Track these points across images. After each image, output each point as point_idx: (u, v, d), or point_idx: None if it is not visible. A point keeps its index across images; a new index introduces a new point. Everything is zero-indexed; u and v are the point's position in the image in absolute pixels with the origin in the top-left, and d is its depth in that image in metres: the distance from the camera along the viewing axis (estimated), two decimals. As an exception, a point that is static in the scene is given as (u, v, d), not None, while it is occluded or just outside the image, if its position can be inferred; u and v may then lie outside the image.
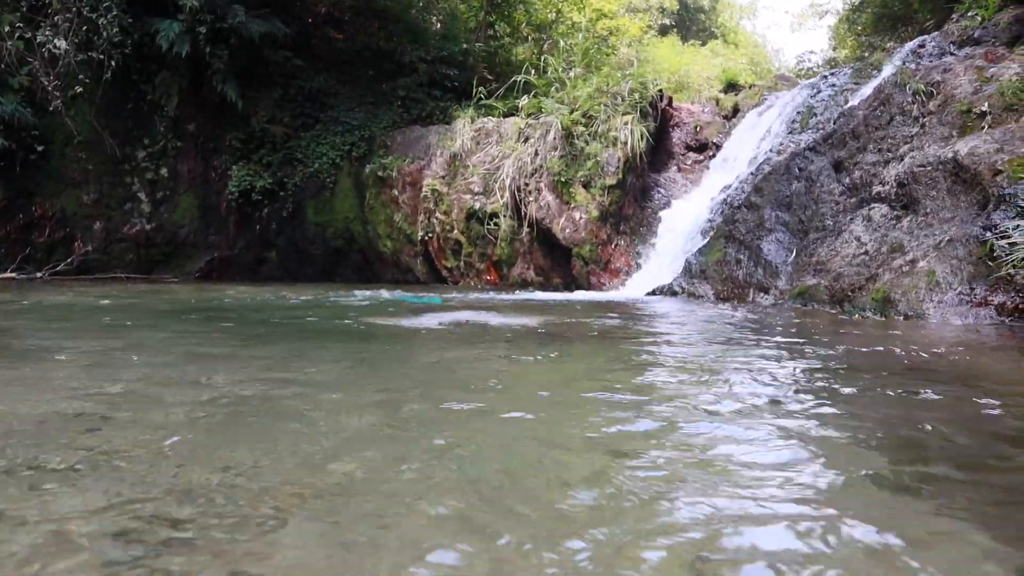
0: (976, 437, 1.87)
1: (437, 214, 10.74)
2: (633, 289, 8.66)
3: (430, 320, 5.02)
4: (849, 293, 5.73)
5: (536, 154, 10.01)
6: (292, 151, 12.17)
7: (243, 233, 12.40)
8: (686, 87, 13.84)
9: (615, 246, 9.44)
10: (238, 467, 1.53)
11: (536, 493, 1.40)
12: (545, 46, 14.42)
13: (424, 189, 10.86)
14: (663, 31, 21.00)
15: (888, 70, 8.69)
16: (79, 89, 10.91)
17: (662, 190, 10.45)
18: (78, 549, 1.12)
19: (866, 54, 12.69)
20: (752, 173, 8.92)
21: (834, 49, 17.43)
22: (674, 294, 7.63)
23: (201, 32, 10.58)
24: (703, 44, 20.53)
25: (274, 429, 1.87)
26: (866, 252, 6.04)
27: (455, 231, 10.60)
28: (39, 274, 10.82)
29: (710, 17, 25.59)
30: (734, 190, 8.91)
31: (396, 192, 11.31)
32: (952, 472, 1.58)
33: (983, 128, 6.04)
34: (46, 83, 10.69)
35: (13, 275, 10.41)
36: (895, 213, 6.23)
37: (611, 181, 9.45)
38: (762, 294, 6.87)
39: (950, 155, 5.84)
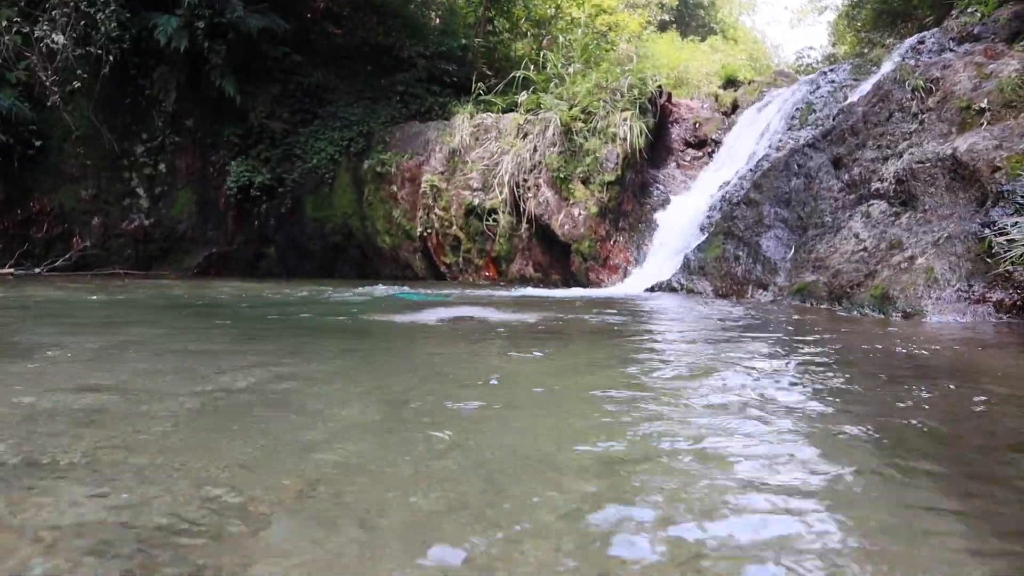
0: (972, 433, 1.87)
1: (436, 210, 10.73)
2: (632, 285, 8.65)
3: (428, 316, 5.02)
4: (848, 290, 5.73)
5: (535, 150, 9.99)
6: (291, 147, 12.15)
7: (241, 229, 12.38)
8: (685, 83, 13.81)
9: (614, 242, 9.44)
10: (235, 464, 1.53)
11: (533, 488, 1.40)
12: (544, 42, 14.39)
13: (423, 185, 10.84)
14: (662, 27, 20.95)
15: (887, 66, 8.67)
16: (77, 84, 10.88)
17: (661, 186, 10.44)
18: (58, 552, 1.12)
19: (865, 50, 12.66)
20: (751, 169, 8.92)
21: (833, 45, 17.39)
22: (673, 290, 7.63)
23: (199, 27, 10.54)
24: (702, 40, 20.50)
25: (270, 425, 1.87)
26: (865, 249, 6.04)
27: (454, 227, 10.59)
28: (37, 270, 10.81)
29: (709, 13, 25.54)
30: (733, 186, 8.90)
31: (395, 188, 11.30)
32: (947, 469, 1.58)
33: (982, 125, 6.04)
34: (44, 78, 10.67)
35: (11, 271, 10.40)
36: (894, 210, 6.23)
37: (610, 177, 9.44)
38: (761, 291, 6.87)
39: (949, 152, 5.84)
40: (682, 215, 9.38)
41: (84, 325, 4.41)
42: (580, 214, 9.40)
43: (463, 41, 13.30)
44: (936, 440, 1.81)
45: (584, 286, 9.14)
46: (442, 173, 10.82)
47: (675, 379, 2.59)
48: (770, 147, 9.28)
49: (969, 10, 8.19)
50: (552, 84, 10.87)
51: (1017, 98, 5.99)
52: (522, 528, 1.19)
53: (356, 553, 1.10)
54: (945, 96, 6.62)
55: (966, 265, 4.97)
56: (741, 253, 7.32)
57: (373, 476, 1.46)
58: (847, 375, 2.69)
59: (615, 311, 5.59)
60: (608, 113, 9.78)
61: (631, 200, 9.82)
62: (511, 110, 10.98)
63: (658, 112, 10.65)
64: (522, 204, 9.94)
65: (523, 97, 10.79)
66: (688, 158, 11.12)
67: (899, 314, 4.95)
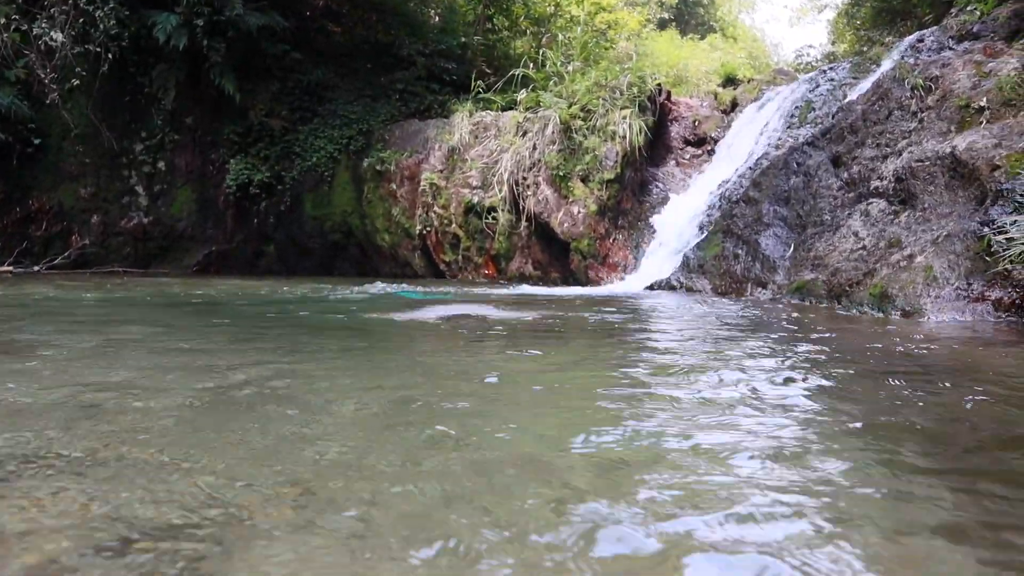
0: (968, 431, 1.88)
1: (435, 208, 10.73)
2: (631, 283, 8.66)
3: (427, 314, 5.02)
4: (847, 288, 5.73)
5: (534, 148, 9.99)
6: (290, 145, 12.14)
7: (241, 227, 12.38)
8: (684, 81, 13.79)
9: (613, 240, 9.44)
10: (233, 462, 1.53)
11: (532, 485, 1.40)
12: (543, 40, 14.38)
13: (422, 183, 10.84)
14: (662, 25, 20.94)
15: (887, 65, 8.67)
16: (76, 82, 10.88)
17: (660, 184, 10.44)
18: (50, 551, 1.12)
19: (865, 48, 12.65)
20: (750, 168, 8.92)
21: (833, 43, 17.38)
22: (672, 289, 7.63)
23: (198, 25, 10.54)
24: (702, 38, 20.48)
25: (268, 424, 1.87)
26: (864, 247, 6.04)
27: (453, 225, 10.60)
28: (36, 268, 10.81)
29: (709, 11, 25.52)
30: (732, 185, 8.90)
31: (394, 186, 11.29)
32: (943, 466, 1.58)
33: (981, 123, 6.04)
34: (42, 76, 10.66)
35: (10, 269, 10.40)
36: (893, 208, 6.23)
37: (609, 175, 9.44)
38: (760, 289, 6.87)
39: (948, 150, 5.84)
40: (681, 213, 9.38)
41: (81, 323, 4.40)
42: (579, 212, 9.40)
43: (462, 39, 13.29)
44: (932, 438, 1.82)
45: (583, 284, 9.15)
46: (441, 171, 10.82)
47: (673, 377, 2.60)
48: (769, 145, 9.28)
49: (968, 8, 8.19)
50: (551, 82, 10.87)
51: (1016, 96, 5.99)
52: (520, 526, 1.19)
53: (354, 549, 1.10)
54: (944, 94, 6.62)
55: (965, 263, 4.98)
56: (740, 251, 7.33)
57: (371, 474, 1.47)
58: (845, 373, 2.69)
59: (614, 309, 5.60)
60: (607, 111, 9.78)
61: (630, 198, 9.82)
62: (510, 108, 10.98)
63: (657, 110, 10.65)
64: (521, 202, 9.94)
65: (522, 95, 10.79)
66: (687, 156, 11.12)
67: (898, 312, 4.95)
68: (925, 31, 9.03)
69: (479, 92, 11.38)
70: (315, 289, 7.72)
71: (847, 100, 8.35)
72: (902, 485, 1.44)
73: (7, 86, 10.46)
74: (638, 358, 3.17)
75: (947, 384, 2.51)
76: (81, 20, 10.52)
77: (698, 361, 2.98)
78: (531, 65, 11.52)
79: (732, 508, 1.28)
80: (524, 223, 9.90)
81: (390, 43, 12.80)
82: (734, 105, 11.57)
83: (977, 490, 1.42)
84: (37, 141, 10.97)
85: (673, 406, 2.09)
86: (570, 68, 10.93)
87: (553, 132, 9.87)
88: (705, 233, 8.15)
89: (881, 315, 5.01)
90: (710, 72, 13.99)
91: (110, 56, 10.65)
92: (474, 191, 10.38)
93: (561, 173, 9.58)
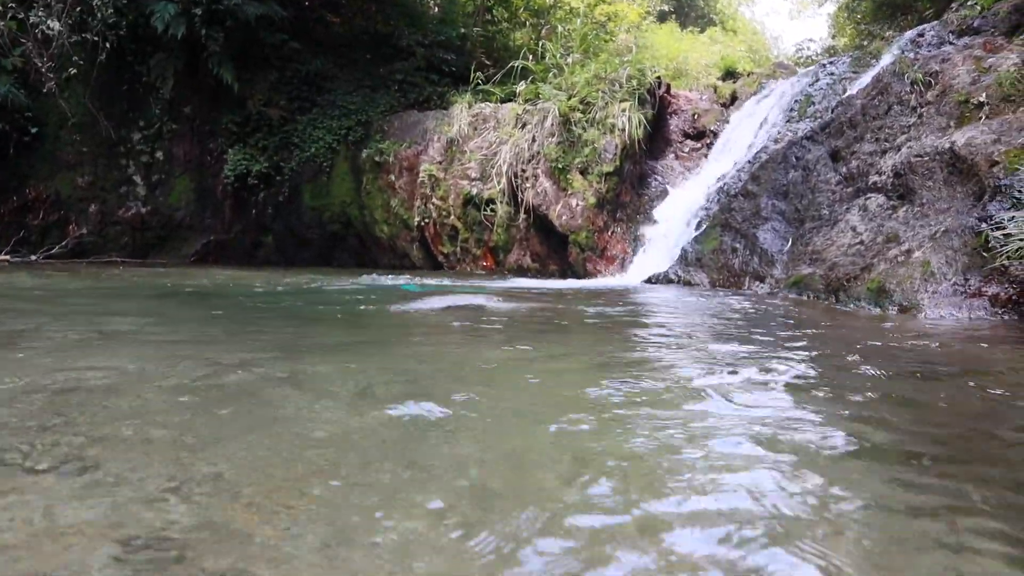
0: (962, 428, 1.89)
1: (434, 199, 10.72)
2: (629, 276, 8.67)
3: (425, 306, 5.03)
4: (844, 283, 5.75)
5: (533, 140, 9.98)
6: (289, 135, 12.11)
7: (239, 217, 12.36)
8: (684, 74, 13.76)
9: (612, 233, 9.44)
10: (220, 458, 1.54)
11: (526, 480, 1.41)
12: (543, 31, 14.34)
13: (421, 174, 10.83)
14: (661, 17, 20.86)
15: (887, 59, 8.66)
16: (73, 71, 10.83)
17: (659, 178, 10.44)
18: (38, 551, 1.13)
19: (865, 42, 12.65)
20: (749, 161, 8.92)
21: (833, 37, 17.36)
22: (670, 282, 7.64)
23: (197, 14, 10.48)
24: (702, 31, 20.41)
25: (260, 420, 1.88)
26: (861, 242, 6.05)
27: (452, 217, 10.59)
28: (33, 257, 10.79)
29: (709, 4, 25.42)
30: (731, 178, 8.90)
31: (393, 177, 11.28)
32: (940, 464, 1.59)
33: (980, 119, 6.04)
34: (39, 64, 10.61)
35: (7, 258, 10.38)
36: (891, 203, 6.24)
37: (608, 168, 9.43)
38: (758, 283, 6.89)
39: (947, 145, 5.84)
40: (680, 207, 9.38)
41: (76, 314, 4.40)
42: (578, 205, 9.40)
43: (462, 30, 13.25)
44: (929, 437, 1.83)
45: (581, 277, 9.15)
46: (440, 163, 10.80)
47: (669, 372, 2.61)
48: (768, 139, 9.27)
49: (969, 3, 8.17)
50: (551, 74, 10.84)
51: (1016, 92, 5.99)
52: (519, 525, 1.20)
53: (354, 545, 1.11)
54: (944, 90, 6.62)
55: (962, 259, 4.99)
56: (738, 245, 7.34)
57: (369, 472, 1.48)
58: (843, 372, 2.71)
59: (611, 302, 5.61)
60: (607, 104, 9.76)
61: (629, 191, 9.82)
62: (510, 100, 10.95)
63: (657, 103, 10.63)
64: (520, 194, 9.93)
65: (522, 87, 10.77)
66: (686, 149, 11.11)
67: (895, 307, 4.97)
68: (925, 26, 9.01)
69: (478, 83, 11.35)
70: (313, 279, 7.72)
71: (847, 94, 8.35)
72: (887, 477, 1.45)
73: (4, 75, 10.42)
74: (635, 352, 3.18)
75: (942, 380, 2.52)
76: (78, 8, 10.46)
77: (692, 355, 2.99)
78: (530, 57, 11.50)
79: (719, 501, 1.29)
80: (523, 215, 9.90)
81: (389, 33, 12.75)
82: (734, 99, 11.55)
83: (970, 484, 1.43)
84: (34, 130, 10.93)
85: (669, 401, 2.10)
86: (569, 60, 10.91)
87: (552, 124, 9.85)
88: (703, 227, 8.16)
89: (878, 310, 5.03)
90: (710, 65, 13.96)
91: (108, 45, 10.60)
92: (473, 183, 10.37)
93: (560, 165, 9.57)
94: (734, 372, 2.53)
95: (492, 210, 10.11)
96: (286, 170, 11.97)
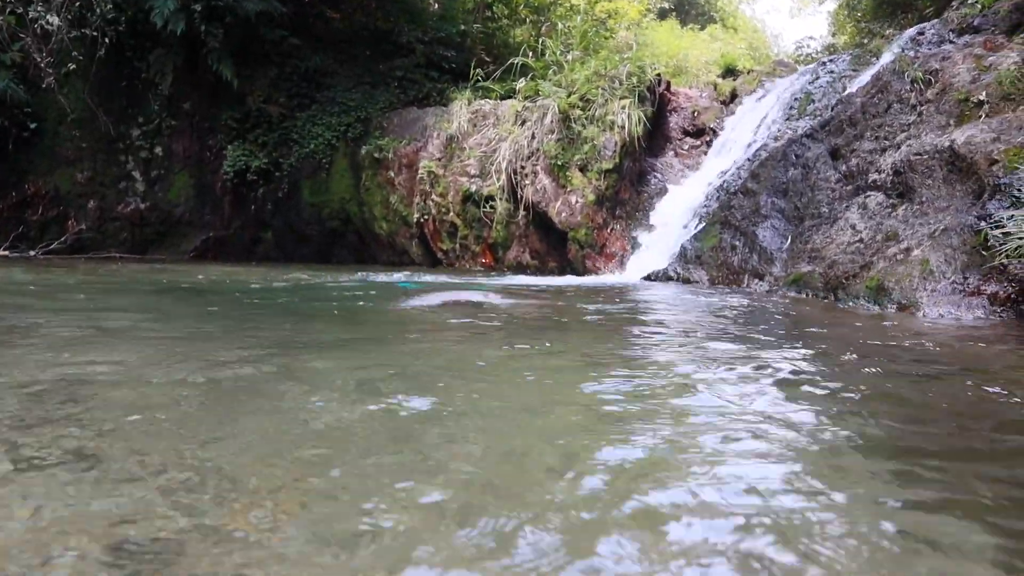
0: (961, 423, 1.89)
1: (433, 196, 10.71)
2: (628, 274, 8.67)
3: (424, 303, 5.03)
4: (843, 281, 5.75)
5: (533, 137, 9.97)
6: (288, 131, 12.10)
7: (238, 213, 12.35)
8: (684, 71, 13.75)
9: (611, 230, 9.44)
10: (215, 455, 1.54)
11: (524, 474, 1.41)
12: (543, 28, 14.31)
13: (420, 171, 10.82)
14: (662, 15, 20.83)
15: (887, 57, 8.65)
16: (72, 66, 10.81)
17: (659, 175, 10.43)
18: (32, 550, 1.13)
19: (865, 41, 12.64)
20: (749, 159, 8.91)
21: (833, 35, 17.35)
22: (669, 279, 7.64)
23: (196, 10, 10.46)
24: (702, 28, 20.40)
25: (259, 416, 1.88)
26: (861, 240, 6.05)
27: (451, 213, 10.58)
28: (32, 252, 10.78)
29: (709, 1, 25.40)
30: (730, 176, 8.89)
31: (392, 174, 11.27)
32: (938, 463, 1.60)
33: (980, 117, 6.04)
34: (39, 60, 10.59)
35: (6, 253, 10.37)
36: (891, 201, 6.24)
37: (608, 165, 9.43)
38: (757, 280, 6.89)
39: (947, 144, 5.84)
40: (679, 204, 9.38)
41: (74, 310, 4.40)
42: (577, 202, 9.39)
43: (462, 27, 13.22)
44: (927, 435, 1.83)
45: (580, 274, 9.15)
46: (439, 159, 10.79)
47: (667, 368, 2.61)
48: (768, 137, 9.27)
49: (969, 1, 8.16)
50: (551, 71, 10.83)
51: (1016, 91, 5.99)
52: (516, 517, 1.21)
53: (353, 540, 1.11)
54: (944, 88, 6.61)
55: (962, 258, 4.99)
56: (738, 243, 7.33)
57: (367, 470, 1.48)
58: (839, 367, 2.71)
59: (610, 300, 5.61)
60: (606, 101, 9.75)
61: (628, 188, 9.81)
62: (509, 97, 10.94)
63: (657, 100, 10.62)
64: (519, 191, 9.92)
65: (521, 84, 10.75)
66: (686, 147, 11.10)
67: (894, 306, 4.97)
68: (926, 24, 9.00)
69: (478, 80, 11.34)
70: (312, 275, 7.72)
71: (846, 92, 8.34)
72: (884, 474, 1.46)
73: (3, 70, 10.40)
74: (634, 349, 3.18)
75: (940, 378, 2.52)
76: (77, 4, 10.44)
77: (690, 352, 2.99)
78: (530, 54, 11.47)
79: (714, 500, 1.29)
80: (522, 212, 9.89)
81: (389, 30, 12.73)
82: (733, 96, 11.54)
83: (967, 481, 1.43)
84: (33, 125, 10.91)
85: (666, 400, 2.10)
86: (569, 57, 10.89)
87: (552, 121, 9.84)
88: (703, 224, 8.16)
89: (877, 308, 5.03)
90: (710, 63, 13.96)
91: (107, 40, 10.59)
92: (472, 180, 10.37)
93: (559, 162, 9.57)
94: (732, 369, 2.53)
95: (491, 207, 10.11)
96: (285, 166, 11.96)
